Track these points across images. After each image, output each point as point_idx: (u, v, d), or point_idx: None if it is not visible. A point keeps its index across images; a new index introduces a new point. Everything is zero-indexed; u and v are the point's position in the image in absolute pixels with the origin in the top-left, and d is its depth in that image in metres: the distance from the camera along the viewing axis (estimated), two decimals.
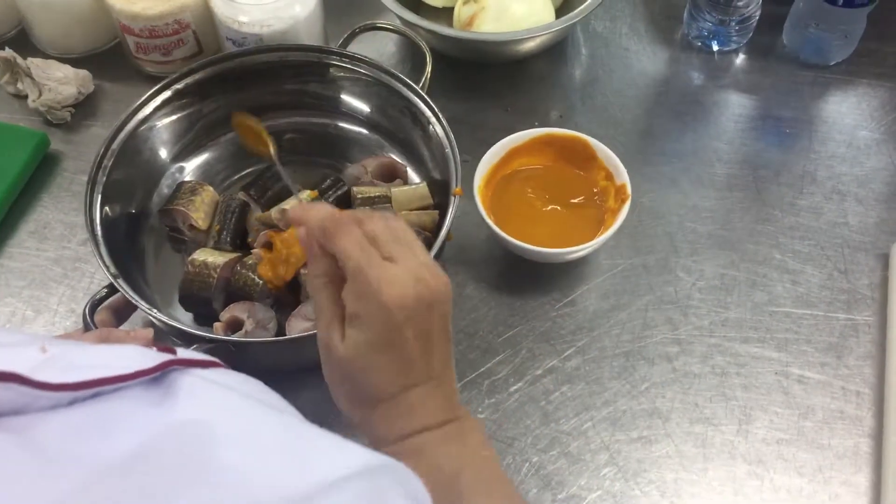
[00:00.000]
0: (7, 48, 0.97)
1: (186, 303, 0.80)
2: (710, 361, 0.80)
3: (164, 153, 0.89)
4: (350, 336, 0.53)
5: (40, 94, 0.96)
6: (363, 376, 0.54)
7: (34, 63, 0.97)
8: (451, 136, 0.81)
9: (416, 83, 0.86)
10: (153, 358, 0.42)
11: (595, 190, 0.86)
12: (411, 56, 1.03)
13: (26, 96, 0.97)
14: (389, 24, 0.92)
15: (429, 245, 0.78)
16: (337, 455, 0.40)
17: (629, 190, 0.82)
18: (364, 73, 0.88)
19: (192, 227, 0.84)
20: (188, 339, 0.72)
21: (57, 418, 0.37)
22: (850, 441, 0.75)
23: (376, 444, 0.55)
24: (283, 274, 0.78)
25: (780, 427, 0.76)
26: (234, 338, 0.75)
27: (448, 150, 0.81)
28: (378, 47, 1.03)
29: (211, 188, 0.86)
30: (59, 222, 0.90)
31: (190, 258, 0.79)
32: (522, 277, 0.85)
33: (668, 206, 0.91)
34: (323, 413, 0.76)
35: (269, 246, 0.79)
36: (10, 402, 0.37)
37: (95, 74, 1.00)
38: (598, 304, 0.84)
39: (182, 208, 0.83)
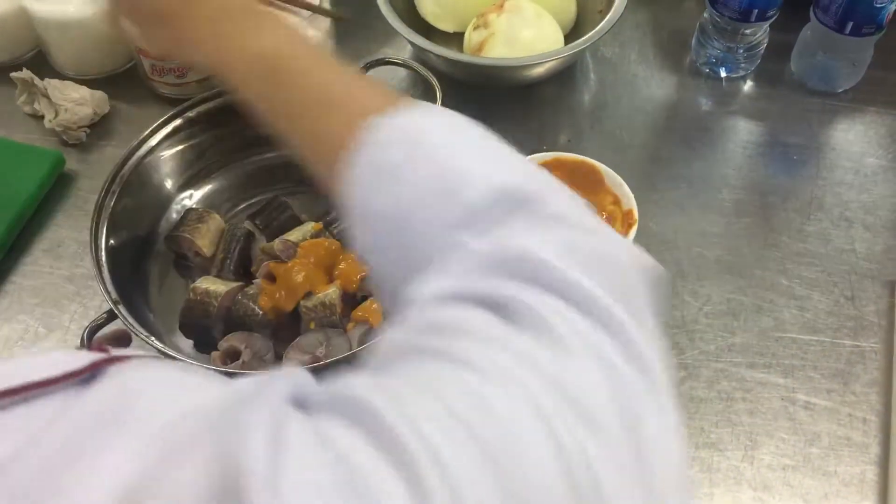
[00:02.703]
0: (24, 69, 0.99)
1: (186, 330, 0.80)
2: (717, 386, 0.80)
3: (173, 180, 0.90)
4: None
5: (56, 115, 0.97)
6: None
7: (51, 84, 0.98)
8: None
9: None
10: (83, 359, 0.40)
11: (603, 214, 0.87)
12: (422, 81, 1.04)
13: (43, 116, 0.99)
14: (399, 59, 0.94)
15: None
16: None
17: (636, 215, 0.83)
18: None
19: (197, 254, 0.85)
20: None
21: None
22: (856, 468, 0.75)
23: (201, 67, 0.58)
24: (284, 305, 0.78)
25: (786, 453, 0.76)
26: (230, 369, 0.75)
27: None
28: (388, 72, 1.04)
29: (218, 216, 0.87)
30: (72, 241, 0.92)
31: (192, 285, 0.80)
32: None
33: (676, 231, 0.91)
34: None
35: (271, 277, 0.80)
36: None
37: (111, 96, 1.01)
38: None
39: (188, 235, 0.84)
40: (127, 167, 0.84)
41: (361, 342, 0.77)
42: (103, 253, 0.78)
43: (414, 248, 0.44)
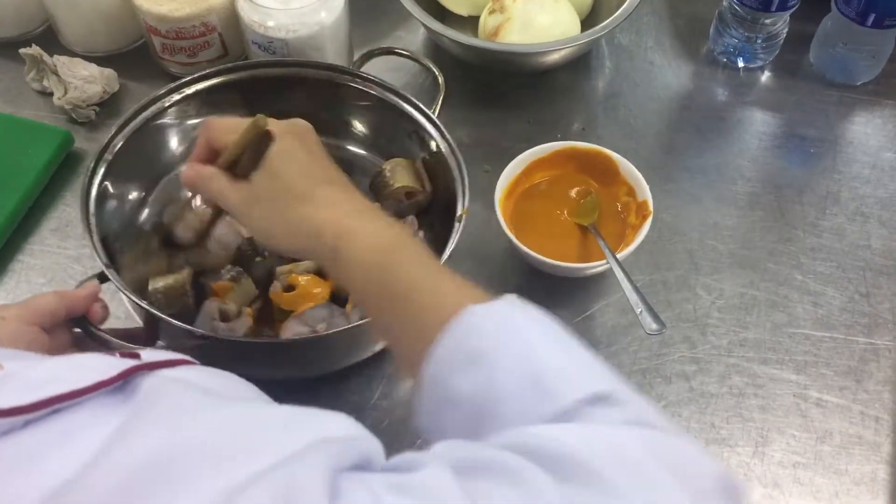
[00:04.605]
0: (34, 45, 0.98)
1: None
2: (728, 381, 0.80)
3: (167, 154, 0.89)
4: (249, 179, 0.62)
5: (66, 92, 0.96)
6: (278, 183, 0.61)
7: (60, 61, 0.97)
8: (462, 163, 0.80)
9: (433, 95, 0.85)
10: (115, 366, 0.41)
11: (617, 205, 0.86)
12: (424, 70, 1.03)
13: (52, 94, 0.97)
14: (404, 50, 0.93)
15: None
16: (277, 439, 0.38)
17: (651, 207, 0.82)
18: (375, 95, 0.87)
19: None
20: (180, 333, 0.71)
21: (7, 445, 0.37)
22: (867, 467, 0.75)
23: (314, 253, 0.60)
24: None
25: (797, 450, 0.76)
26: (225, 335, 0.74)
27: (457, 174, 0.80)
28: (392, 62, 1.01)
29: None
30: (80, 220, 0.90)
31: (150, 289, 0.77)
32: (540, 290, 0.85)
33: (689, 222, 0.90)
34: None
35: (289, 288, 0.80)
36: None
37: (120, 74, 1.00)
38: (615, 319, 0.84)
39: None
40: (121, 135, 0.83)
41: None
42: (93, 218, 0.77)
43: (490, 427, 0.46)
